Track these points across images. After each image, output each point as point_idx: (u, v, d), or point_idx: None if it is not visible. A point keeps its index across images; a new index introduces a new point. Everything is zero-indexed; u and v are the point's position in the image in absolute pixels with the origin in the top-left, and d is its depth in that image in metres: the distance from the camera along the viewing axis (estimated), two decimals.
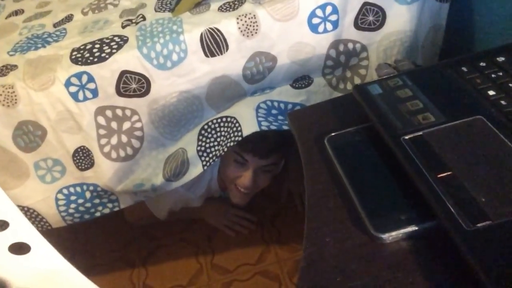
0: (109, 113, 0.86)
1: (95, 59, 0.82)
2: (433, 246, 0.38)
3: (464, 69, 0.49)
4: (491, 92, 0.45)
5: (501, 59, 0.48)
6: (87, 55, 0.83)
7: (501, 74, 0.46)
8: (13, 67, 0.85)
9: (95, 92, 0.84)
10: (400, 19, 0.86)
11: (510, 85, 0.45)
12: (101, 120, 0.86)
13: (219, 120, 0.90)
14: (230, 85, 0.89)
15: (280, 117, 0.88)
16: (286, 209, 1.36)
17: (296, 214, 1.31)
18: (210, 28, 0.82)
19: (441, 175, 0.38)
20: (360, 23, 0.86)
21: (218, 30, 0.82)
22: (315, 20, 0.84)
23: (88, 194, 0.94)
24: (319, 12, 0.83)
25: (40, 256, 0.47)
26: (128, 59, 0.82)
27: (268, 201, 1.39)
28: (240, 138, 0.84)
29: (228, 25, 0.82)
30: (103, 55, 0.82)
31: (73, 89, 0.82)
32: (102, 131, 0.87)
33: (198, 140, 0.91)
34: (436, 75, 0.51)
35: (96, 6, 1.05)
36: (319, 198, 0.44)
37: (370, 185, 0.44)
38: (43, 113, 0.84)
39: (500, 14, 0.77)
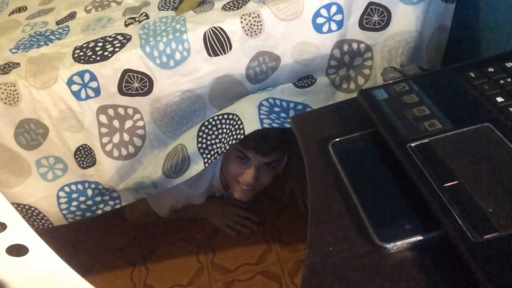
0: (111, 111, 0.86)
1: (98, 58, 0.81)
2: (438, 257, 0.37)
3: (472, 74, 0.48)
4: (499, 99, 0.44)
5: (509, 64, 0.47)
6: (90, 53, 0.83)
7: (509, 80, 0.45)
8: (16, 65, 0.85)
9: (97, 91, 0.83)
10: (405, 20, 0.85)
11: None
12: (103, 118, 0.86)
13: (220, 117, 0.90)
14: (233, 84, 0.88)
15: (282, 115, 0.87)
16: (288, 209, 1.35)
17: (297, 214, 1.31)
18: (213, 27, 0.81)
19: (448, 184, 0.38)
20: (365, 23, 0.85)
21: (222, 29, 0.81)
22: (320, 20, 0.83)
23: (89, 192, 0.94)
24: (323, 12, 0.82)
25: (38, 258, 0.46)
26: (131, 57, 0.81)
27: (269, 201, 1.38)
28: (242, 136, 0.84)
29: (232, 24, 0.81)
30: (105, 53, 0.82)
31: (75, 87, 0.82)
32: (104, 130, 0.87)
33: (198, 136, 0.90)
34: (443, 80, 0.50)
35: (99, 3, 1.04)
36: (323, 205, 0.43)
37: (374, 193, 0.43)
38: (45, 111, 0.84)
39: (507, 15, 0.76)
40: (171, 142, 0.94)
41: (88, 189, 0.94)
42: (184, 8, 0.90)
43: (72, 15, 1.03)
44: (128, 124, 0.88)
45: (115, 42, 0.84)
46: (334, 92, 0.94)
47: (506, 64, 0.47)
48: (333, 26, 0.84)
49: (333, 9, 0.82)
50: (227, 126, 0.88)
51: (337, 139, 0.50)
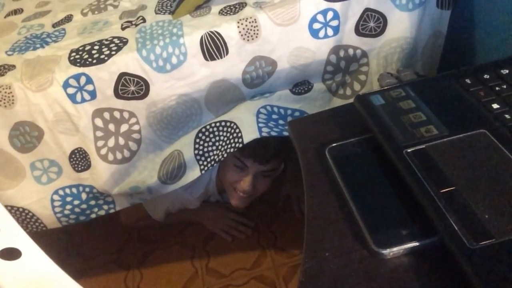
0: (106, 115, 0.85)
1: (94, 61, 0.81)
2: (434, 263, 0.37)
3: (468, 81, 0.48)
4: (495, 106, 0.44)
5: (505, 71, 0.48)
6: (86, 56, 0.83)
7: (505, 87, 0.46)
8: (11, 67, 0.84)
9: (93, 94, 0.83)
10: (401, 26, 0.86)
11: None
12: (99, 122, 0.86)
13: (217, 124, 0.90)
14: (229, 89, 0.88)
15: (280, 122, 0.88)
16: (283, 214, 1.35)
17: (293, 219, 1.31)
18: (210, 31, 0.81)
19: (444, 190, 0.38)
20: (361, 29, 0.86)
21: (219, 34, 0.81)
22: (316, 25, 0.83)
23: (84, 196, 0.93)
24: (320, 18, 0.82)
25: (31, 261, 0.46)
26: (127, 61, 0.81)
27: (265, 205, 1.38)
28: (240, 145, 0.84)
29: (229, 29, 0.81)
30: (102, 56, 0.81)
31: (71, 90, 0.81)
32: (99, 133, 0.87)
33: (195, 143, 0.90)
34: (439, 86, 0.50)
35: (96, 7, 1.04)
36: (319, 210, 0.43)
37: (371, 198, 0.43)
38: (40, 114, 0.83)
39: (502, 21, 0.76)
40: (167, 147, 0.93)
41: (82, 193, 0.93)
42: (181, 12, 0.90)
43: (68, 18, 1.02)
44: (124, 128, 0.88)
45: (111, 45, 0.84)
46: (330, 99, 0.94)
47: (502, 71, 0.47)
48: (330, 31, 0.84)
49: (330, 15, 0.82)
50: (225, 134, 0.88)
51: (334, 144, 0.50)
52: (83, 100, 0.83)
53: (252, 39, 0.82)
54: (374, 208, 0.42)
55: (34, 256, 0.45)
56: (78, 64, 0.81)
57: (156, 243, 1.35)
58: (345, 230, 0.41)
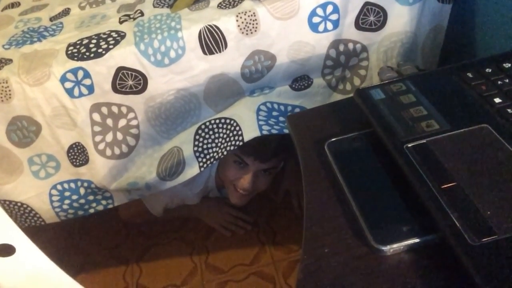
0: (104, 110, 0.85)
1: (92, 55, 0.80)
2: (435, 260, 0.36)
3: (470, 75, 0.47)
4: (497, 100, 0.43)
5: (507, 65, 0.47)
6: (84, 50, 0.82)
7: (507, 81, 0.45)
8: (8, 61, 0.84)
9: (90, 88, 0.82)
10: (401, 20, 0.85)
11: None
12: (96, 117, 0.85)
13: (217, 121, 0.89)
14: (228, 83, 0.88)
15: (281, 119, 0.87)
16: (283, 210, 1.35)
17: (292, 215, 1.30)
18: (209, 25, 0.80)
19: (445, 185, 0.37)
20: (361, 23, 0.85)
21: (217, 28, 0.81)
22: (316, 19, 0.82)
23: (82, 191, 0.93)
24: (319, 11, 0.82)
25: (25, 258, 0.45)
26: (125, 55, 0.81)
27: (264, 201, 1.38)
28: (241, 143, 0.83)
29: (227, 23, 0.81)
30: (99, 50, 0.81)
31: (68, 85, 0.81)
32: (97, 128, 0.86)
33: (195, 140, 0.90)
34: (440, 80, 0.50)
35: (94, 0, 1.03)
36: (318, 206, 0.43)
37: (371, 194, 0.43)
38: (37, 109, 0.82)
39: (504, 15, 0.76)
40: (166, 143, 0.93)
41: (80, 188, 0.93)
42: (179, 5, 0.89)
43: (66, 12, 1.01)
44: (122, 123, 0.87)
45: (109, 39, 0.83)
46: (330, 94, 0.93)
47: (504, 64, 0.47)
48: (329, 25, 0.84)
49: (329, 8, 0.82)
50: (224, 131, 0.87)
51: (333, 139, 0.49)
52: (81, 94, 0.82)
53: (251, 33, 0.82)
54: (374, 204, 0.42)
55: (29, 252, 0.45)
56: (75, 58, 0.81)
57: (155, 238, 1.35)
58: (345, 226, 0.41)
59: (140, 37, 0.81)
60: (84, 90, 0.82)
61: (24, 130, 0.85)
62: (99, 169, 0.89)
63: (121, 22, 0.89)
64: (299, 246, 1.20)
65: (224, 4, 0.85)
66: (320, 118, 0.55)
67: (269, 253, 1.24)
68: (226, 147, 0.85)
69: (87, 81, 0.81)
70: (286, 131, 0.84)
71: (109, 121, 0.86)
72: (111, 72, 0.81)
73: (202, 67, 0.84)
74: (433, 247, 0.37)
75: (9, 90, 0.80)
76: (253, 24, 0.81)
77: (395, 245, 0.38)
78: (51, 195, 0.92)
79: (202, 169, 0.88)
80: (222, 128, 0.88)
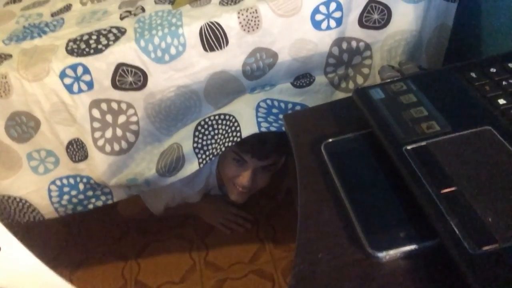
0: (104, 106, 0.84)
1: (91, 51, 0.80)
2: (433, 267, 0.35)
3: (473, 74, 0.46)
4: (501, 101, 0.42)
5: None
6: (83, 46, 0.81)
7: None
8: (8, 56, 0.83)
9: (90, 84, 0.82)
10: (406, 18, 0.84)
11: None
12: (96, 113, 0.84)
13: (216, 117, 0.88)
14: (229, 81, 0.87)
15: (281, 116, 0.86)
16: (283, 208, 1.35)
17: (292, 213, 1.29)
18: (210, 22, 0.80)
19: (445, 190, 0.36)
20: (364, 21, 0.84)
21: (218, 24, 0.80)
22: (319, 17, 0.81)
23: (81, 186, 0.93)
24: (322, 9, 0.81)
25: (11, 256, 0.44)
26: (125, 51, 0.80)
27: (264, 199, 1.38)
28: (238, 139, 0.82)
29: (229, 20, 0.80)
30: (99, 46, 0.80)
31: (67, 80, 0.80)
32: (96, 124, 0.86)
33: (194, 136, 0.89)
34: (442, 80, 0.48)
35: None
36: (313, 209, 0.42)
37: (367, 198, 0.41)
38: (36, 104, 0.82)
39: (510, 14, 0.74)
40: (166, 140, 0.92)
41: (80, 183, 0.92)
42: (181, 2, 0.88)
43: (67, 7, 1.01)
44: (122, 119, 0.87)
45: (109, 35, 0.83)
46: (333, 92, 0.92)
47: (509, 64, 0.45)
48: (332, 23, 0.82)
49: (333, 6, 0.80)
50: (223, 127, 0.87)
51: (330, 140, 0.48)
52: (80, 90, 0.82)
53: (253, 30, 0.81)
54: (370, 208, 0.40)
55: (14, 251, 0.44)
56: (75, 54, 0.80)
57: (154, 235, 1.35)
58: (340, 231, 0.39)
59: (140, 34, 0.81)
60: (84, 86, 0.81)
61: (23, 126, 0.84)
62: (98, 165, 0.89)
63: (122, 18, 0.89)
64: None
65: (226, 1, 0.84)
66: (318, 118, 0.54)
67: (269, 251, 1.24)
68: (225, 143, 0.85)
69: (86, 77, 0.81)
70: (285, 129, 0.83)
71: (109, 117, 0.86)
72: (110, 68, 0.81)
73: (203, 64, 0.83)
74: (431, 254, 0.36)
75: (8, 86, 0.80)
76: (255, 21, 0.80)
77: (391, 252, 0.36)
78: (50, 191, 0.92)
79: (201, 165, 0.88)
80: (222, 124, 0.87)
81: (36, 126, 0.85)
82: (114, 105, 0.85)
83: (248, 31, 0.81)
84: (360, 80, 0.90)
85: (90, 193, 0.94)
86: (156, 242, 1.33)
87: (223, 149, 0.85)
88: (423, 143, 0.40)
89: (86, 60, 0.79)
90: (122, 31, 0.83)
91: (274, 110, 0.87)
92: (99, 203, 0.96)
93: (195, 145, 0.89)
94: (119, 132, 0.87)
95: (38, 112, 0.83)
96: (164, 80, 0.83)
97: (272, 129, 0.82)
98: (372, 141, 0.45)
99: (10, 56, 0.83)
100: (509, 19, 0.75)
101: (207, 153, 0.88)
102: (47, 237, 1.35)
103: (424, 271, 0.35)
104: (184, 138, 0.90)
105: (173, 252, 1.29)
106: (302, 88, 0.90)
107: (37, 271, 0.45)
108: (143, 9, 0.90)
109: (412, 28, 0.85)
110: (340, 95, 0.93)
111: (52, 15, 0.99)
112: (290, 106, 0.89)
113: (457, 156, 0.39)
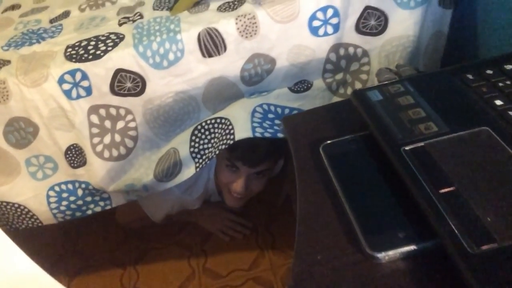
0: (102, 111, 0.84)
1: (90, 57, 0.80)
2: (432, 268, 0.35)
3: (470, 76, 0.46)
4: (498, 102, 0.42)
5: (509, 67, 0.46)
6: (82, 52, 0.81)
7: (509, 83, 0.44)
8: (6, 62, 0.83)
9: (88, 90, 0.82)
10: (403, 24, 0.84)
11: None
12: (94, 118, 0.84)
13: (213, 121, 0.88)
14: (227, 86, 0.87)
15: (276, 122, 0.86)
16: (282, 214, 1.34)
17: (292, 220, 1.28)
18: (208, 28, 0.80)
19: (444, 190, 0.36)
20: (361, 27, 0.84)
21: (216, 30, 0.80)
22: (316, 23, 0.82)
23: (80, 192, 0.92)
24: (319, 15, 0.81)
25: (7, 260, 0.44)
26: (123, 57, 0.80)
27: (264, 205, 1.37)
28: (231, 142, 0.82)
29: (227, 25, 0.80)
30: (98, 52, 0.80)
31: (66, 86, 0.80)
32: (95, 130, 0.85)
33: (191, 140, 0.89)
34: (440, 82, 0.48)
35: (94, 3, 1.03)
36: (311, 210, 0.42)
37: (366, 199, 0.41)
38: (35, 110, 0.82)
39: (504, 19, 0.75)
40: (164, 145, 0.92)
41: (78, 189, 0.92)
42: (179, 8, 0.89)
43: (66, 14, 1.01)
44: (120, 125, 0.86)
45: (108, 41, 0.83)
46: (330, 97, 0.92)
47: (505, 66, 0.45)
48: (329, 29, 0.83)
49: (330, 12, 0.81)
50: (219, 131, 0.87)
51: (329, 142, 0.48)
52: (79, 96, 0.82)
53: (251, 36, 0.81)
54: (369, 209, 0.40)
55: (11, 254, 0.44)
56: (73, 60, 0.80)
57: (153, 242, 1.34)
58: (339, 232, 0.39)
59: (139, 39, 0.81)
60: (82, 92, 0.81)
61: (22, 131, 0.84)
62: (97, 171, 0.89)
63: (120, 25, 0.89)
64: None
65: (224, 7, 0.84)
66: (316, 120, 0.53)
67: (268, 258, 1.23)
68: (218, 146, 0.84)
69: (85, 83, 0.81)
70: (280, 135, 0.82)
71: (107, 123, 0.85)
72: (109, 74, 0.81)
73: (201, 70, 0.83)
74: (430, 254, 0.36)
75: (7, 91, 0.80)
76: (252, 27, 0.80)
77: (390, 252, 0.36)
78: (48, 196, 0.92)
79: (197, 169, 0.87)
80: (218, 128, 0.87)
81: (34, 132, 0.84)
82: (113, 111, 0.85)
83: (246, 37, 0.81)
84: (358, 86, 0.91)
85: (88, 198, 0.94)
86: (155, 250, 1.32)
87: (217, 152, 0.85)
88: (421, 144, 0.40)
89: (85, 66, 0.80)
90: (120, 37, 0.83)
91: (270, 115, 0.86)
92: (98, 209, 0.96)
93: (191, 149, 0.88)
94: (117, 138, 0.87)
95: (36, 118, 0.83)
96: (163, 85, 0.83)
97: (267, 135, 0.82)
98: (370, 142, 0.45)
99: (9, 62, 0.83)
100: (504, 23, 0.75)
101: (204, 157, 0.88)
102: (44, 245, 1.34)
103: (423, 271, 0.35)
104: (181, 142, 0.90)
105: (172, 260, 1.28)
106: (300, 93, 0.90)
107: (35, 276, 0.44)
108: (141, 16, 0.91)
109: (409, 34, 0.85)
110: (338, 100, 0.93)
111: (51, 21, 0.99)
112: (287, 111, 0.89)
113: (455, 156, 0.38)
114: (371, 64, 0.88)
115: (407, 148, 0.40)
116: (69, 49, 0.83)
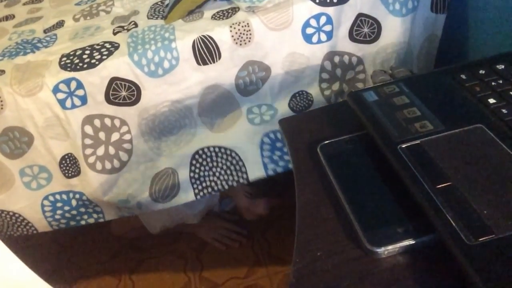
0: (97, 122, 0.84)
1: (85, 65, 0.80)
2: (431, 261, 0.35)
3: (463, 76, 0.47)
4: (491, 100, 0.43)
5: (500, 66, 0.47)
6: (77, 61, 0.82)
7: (501, 82, 0.45)
8: (0, 72, 0.84)
9: (83, 99, 0.82)
10: (396, 31, 0.85)
11: (511, 93, 0.43)
12: (89, 129, 0.84)
13: (216, 150, 0.88)
14: (223, 95, 0.87)
15: (285, 150, 0.86)
16: (278, 221, 1.33)
17: (288, 227, 1.29)
18: (202, 35, 0.81)
19: (440, 185, 0.36)
20: (355, 35, 0.85)
21: (211, 38, 0.81)
22: (309, 30, 0.83)
23: (74, 202, 0.92)
24: (313, 22, 0.82)
25: (3, 267, 0.43)
26: (118, 65, 0.80)
27: None
28: (245, 182, 0.84)
29: (221, 33, 0.81)
30: (93, 61, 0.81)
31: (61, 95, 0.80)
32: (88, 141, 0.85)
33: (191, 165, 0.89)
34: (434, 82, 0.49)
35: (88, 12, 1.04)
36: (311, 209, 0.42)
37: (364, 196, 0.42)
38: (30, 119, 0.82)
39: (495, 20, 0.76)
40: (159, 160, 0.91)
41: (72, 200, 0.92)
42: (173, 16, 0.89)
43: (60, 24, 1.02)
44: (115, 137, 0.86)
45: (102, 50, 0.83)
46: None
47: (497, 66, 0.46)
48: (323, 36, 0.84)
49: (323, 19, 0.82)
50: (224, 162, 0.86)
51: (326, 142, 0.49)
52: (73, 106, 0.82)
53: (245, 43, 0.82)
54: (368, 206, 0.41)
55: (7, 260, 0.43)
56: (68, 69, 0.80)
57: (148, 252, 1.33)
58: (338, 229, 0.39)
59: (133, 48, 0.81)
60: (77, 101, 0.81)
61: (16, 141, 0.84)
62: (90, 181, 0.88)
63: (115, 33, 0.89)
64: None
65: (218, 15, 0.85)
66: (313, 122, 0.54)
67: (264, 265, 1.22)
68: (228, 181, 0.85)
69: (80, 92, 0.81)
70: (291, 166, 0.83)
71: (102, 135, 0.85)
72: (104, 83, 0.81)
73: (196, 78, 0.83)
74: (429, 248, 0.36)
75: (1, 101, 0.80)
76: (247, 34, 0.81)
77: (390, 247, 0.36)
78: (43, 205, 0.91)
79: (198, 197, 0.88)
80: (222, 158, 0.87)
81: (29, 142, 0.84)
82: (108, 122, 0.84)
83: (240, 44, 0.82)
84: None
85: (82, 209, 0.94)
86: (150, 259, 1.31)
87: (226, 187, 0.85)
88: (417, 141, 0.41)
89: (80, 75, 0.80)
90: (115, 46, 0.83)
91: (278, 144, 0.87)
92: (91, 220, 0.96)
93: (191, 174, 0.88)
94: (111, 150, 0.87)
95: (31, 127, 0.83)
96: (158, 94, 0.83)
97: (279, 170, 0.83)
98: (367, 141, 0.45)
99: (3, 71, 0.83)
100: (495, 24, 0.77)
101: (204, 185, 0.87)
102: (40, 255, 1.33)
103: (422, 265, 0.35)
104: (180, 165, 0.90)
105: (167, 269, 1.27)
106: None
107: (31, 283, 0.44)
108: (136, 24, 0.91)
109: (401, 40, 0.86)
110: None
111: (45, 31, 1.00)
112: None
113: (451, 153, 0.39)
114: (366, 72, 0.89)
115: (403, 146, 0.41)
116: (64, 58, 0.83)
